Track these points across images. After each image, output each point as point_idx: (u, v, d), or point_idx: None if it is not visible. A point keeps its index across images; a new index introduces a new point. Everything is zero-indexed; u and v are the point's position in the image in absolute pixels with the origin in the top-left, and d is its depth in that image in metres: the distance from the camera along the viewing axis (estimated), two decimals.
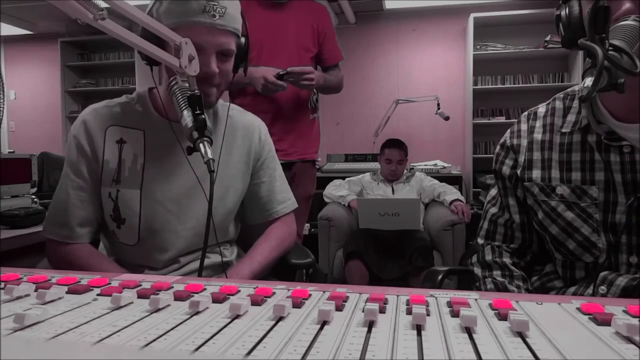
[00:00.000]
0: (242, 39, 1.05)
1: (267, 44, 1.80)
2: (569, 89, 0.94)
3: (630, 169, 0.80)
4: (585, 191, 0.85)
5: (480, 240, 1.03)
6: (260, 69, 1.71)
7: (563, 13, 0.78)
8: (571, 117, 0.89)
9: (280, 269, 1.19)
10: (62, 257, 1.03)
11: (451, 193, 2.92)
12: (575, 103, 0.90)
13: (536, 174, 0.91)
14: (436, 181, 3.09)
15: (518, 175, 0.94)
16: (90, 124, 1.04)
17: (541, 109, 0.96)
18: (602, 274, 0.83)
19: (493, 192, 1.03)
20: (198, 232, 1.06)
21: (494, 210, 1.01)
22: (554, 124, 0.92)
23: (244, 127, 1.14)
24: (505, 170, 0.97)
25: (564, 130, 0.89)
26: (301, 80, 1.71)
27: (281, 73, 1.68)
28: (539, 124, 0.94)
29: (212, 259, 1.11)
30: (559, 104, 0.93)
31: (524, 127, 0.96)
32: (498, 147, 1.01)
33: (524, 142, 0.94)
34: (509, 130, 1.00)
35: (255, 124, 1.18)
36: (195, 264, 1.08)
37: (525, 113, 0.98)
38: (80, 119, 1.05)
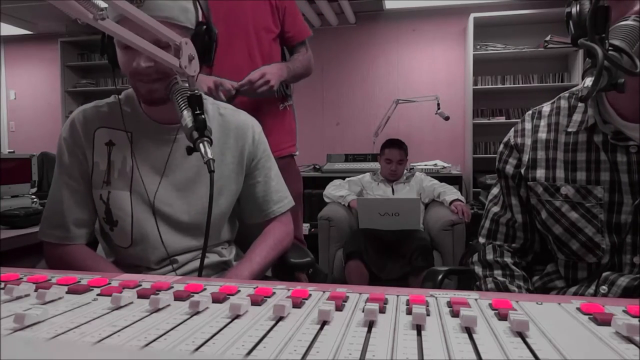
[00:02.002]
0: (201, 28, 0.98)
1: (220, 28, 1.53)
2: (574, 88, 0.94)
3: (637, 169, 0.80)
4: (590, 191, 0.84)
5: (481, 240, 1.02)
6: (208, 78, 1.52)
7: (574, 10, 0.77)
8: (577, 117, 0.89)
9: (281, 270, 1.19)
10: (60, 259, 1.03)
11: (451, 193, 2.92)
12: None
13: (540, 173, 0.91)
14: (436, 181, 3.09)
15: (522, 174, 0.94)
16: (79, 126, 1.04)
17: (546, 108, 0.96)
18: (605, 274, 0.83)
19: (495, 191, 1.03)
20: (191, 232, 1.06)
21: (496, 209, 1.01)
22: (559, 123, 0.91)
23: (237, 127, 1.12)
24: (509, 169, 0.97)
25: (569, 129, 0.89)
26: (256, 89, 1.50)
27: (232, 94, 1.48)
28: (543, 123, 0.94)
29: (211, 258, 1.11)
30: (564, 103, 0.93)
31: (528, 126, 0.96)
32: (501, 146, 1.00)
33: (528, 141, 0.94)
34: (512, 129, 0.99)
35: (249, 124, 1.15)
36: (193, 264, 1.08)
37: (530, 112, 0.97)
38: (70, 121, 1.05)
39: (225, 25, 1.59)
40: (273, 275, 1.19)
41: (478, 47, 4.33)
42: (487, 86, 4.41)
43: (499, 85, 4.40)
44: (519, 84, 4.36)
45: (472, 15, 4.20)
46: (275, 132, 1.69)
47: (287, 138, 1.78)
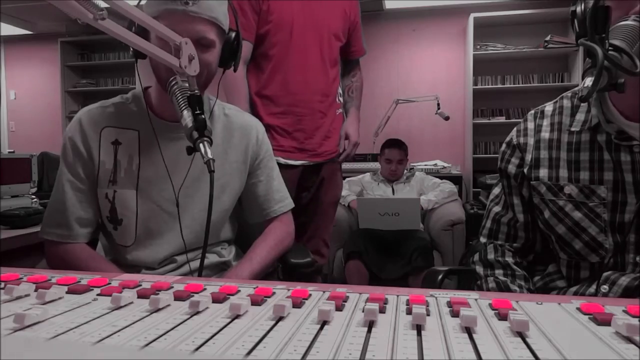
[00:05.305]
0: (232, 34, 1.04)
1: (298, 25, 1.64)
2: (576, 88, 0.94)
3: None
4: (594, 191, 0.84)
5: (482, 239, 1.02)
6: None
7: (579, 9, 0.77)
8: (580, 116, 0.89)
9: (289, 272, 1.19)
10: (61, 257, 1.03)
11: (434, 190, 2.93)
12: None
13: (543, 172, 0.91)
14: (437, 180, 3.09)
15: (524, 173, 0.94)
16: (85, 126, 1.04)
17: (548, 107, 0.96)
18: (606, 273, 0.83)
19: (496, 190, 1.03)
20: (194, 230, 1.07)
21: (497, 209, 1.01)
22: (562, 122, 0.91)
23: (241, 127, 1.15)
24: (511, 168, 0.97)
25: (573, 129, 0.89)
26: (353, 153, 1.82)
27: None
28: (546, 122, 0.94)
29: (210, 258, 1.11)
30: (567, 103, 0.93)
31: (530, 125, 0.96)
32: (504, 146, 1.00)
33: (531, 141, 0.94)
34: (515, 129, 0.99)
35: (253, 124, 1.18)
36: (193, 264, 1.08)
37: (532, 111, 0.97)
38: (76, 121, 1.06)
39: (303, 25, 1.66)
40: (283, 278, 1.19)
41: (478, 47, 4.32)
42: (487, 86, 4.41)
43: (499, 85, 4.40)
44: (519, 84, 4.36)
45: (472, 15, 4.19)
46: (334, 135, 1.78)
47: (340, 142, 1.85)
